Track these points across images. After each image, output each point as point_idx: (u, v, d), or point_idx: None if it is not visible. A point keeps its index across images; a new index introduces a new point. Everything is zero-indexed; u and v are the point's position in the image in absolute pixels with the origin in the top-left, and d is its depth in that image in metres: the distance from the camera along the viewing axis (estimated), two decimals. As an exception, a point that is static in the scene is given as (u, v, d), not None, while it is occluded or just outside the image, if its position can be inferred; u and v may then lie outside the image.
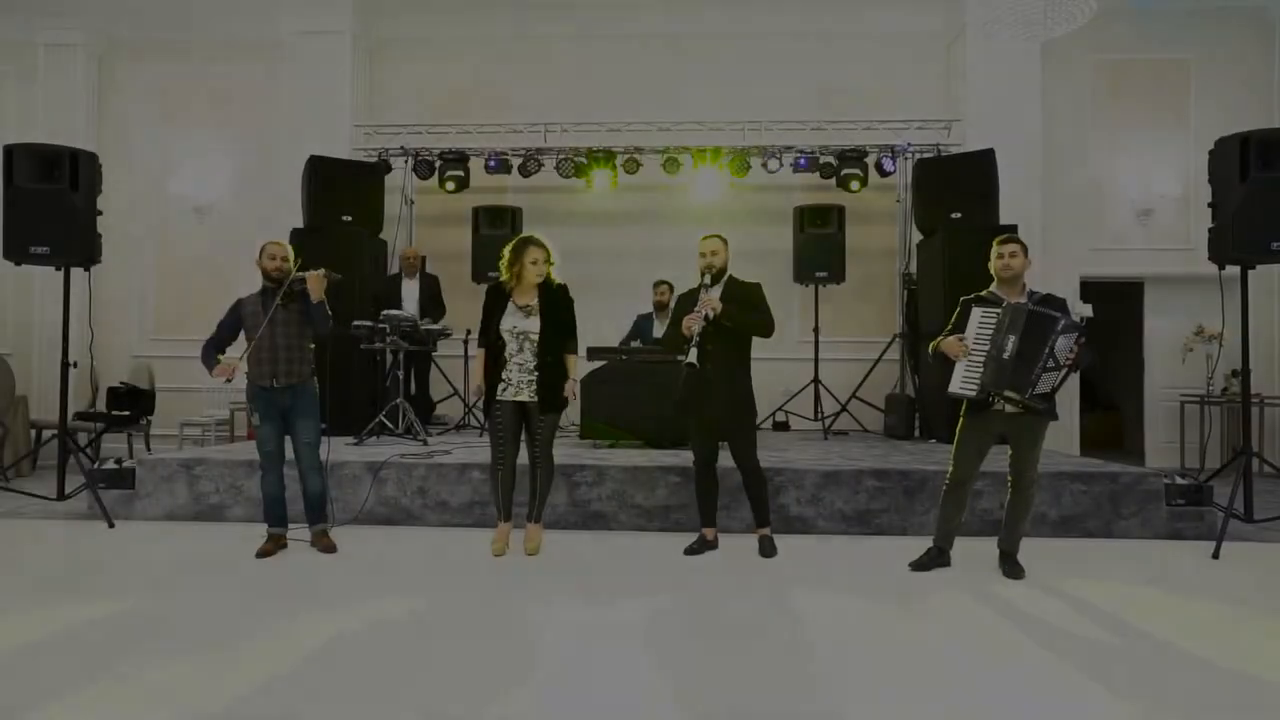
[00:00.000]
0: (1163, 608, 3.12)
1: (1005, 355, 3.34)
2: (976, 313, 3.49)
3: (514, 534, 3.97)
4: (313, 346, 3.90)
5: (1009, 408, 3.42)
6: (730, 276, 3.88)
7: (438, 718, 2.07)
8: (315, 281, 3.75)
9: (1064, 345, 3.28)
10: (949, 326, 3.61)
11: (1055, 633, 2.80)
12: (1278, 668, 2.47)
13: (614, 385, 5.32)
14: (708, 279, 3.82)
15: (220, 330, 3.82)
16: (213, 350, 3.76)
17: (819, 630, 2.82)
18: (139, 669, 2.37)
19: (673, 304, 4.07)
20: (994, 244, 3.59)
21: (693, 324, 3.68)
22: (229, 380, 3.73)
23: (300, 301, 3.80)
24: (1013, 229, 6.11)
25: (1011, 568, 3.53)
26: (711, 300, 3.72)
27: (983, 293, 3.58)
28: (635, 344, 6.21)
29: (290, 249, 3.91)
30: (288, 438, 3.85)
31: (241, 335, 3.83)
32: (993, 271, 3.57)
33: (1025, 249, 3.56)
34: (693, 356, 3.67)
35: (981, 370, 3.40)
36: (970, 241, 5.79)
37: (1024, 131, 6.82)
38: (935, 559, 3.64)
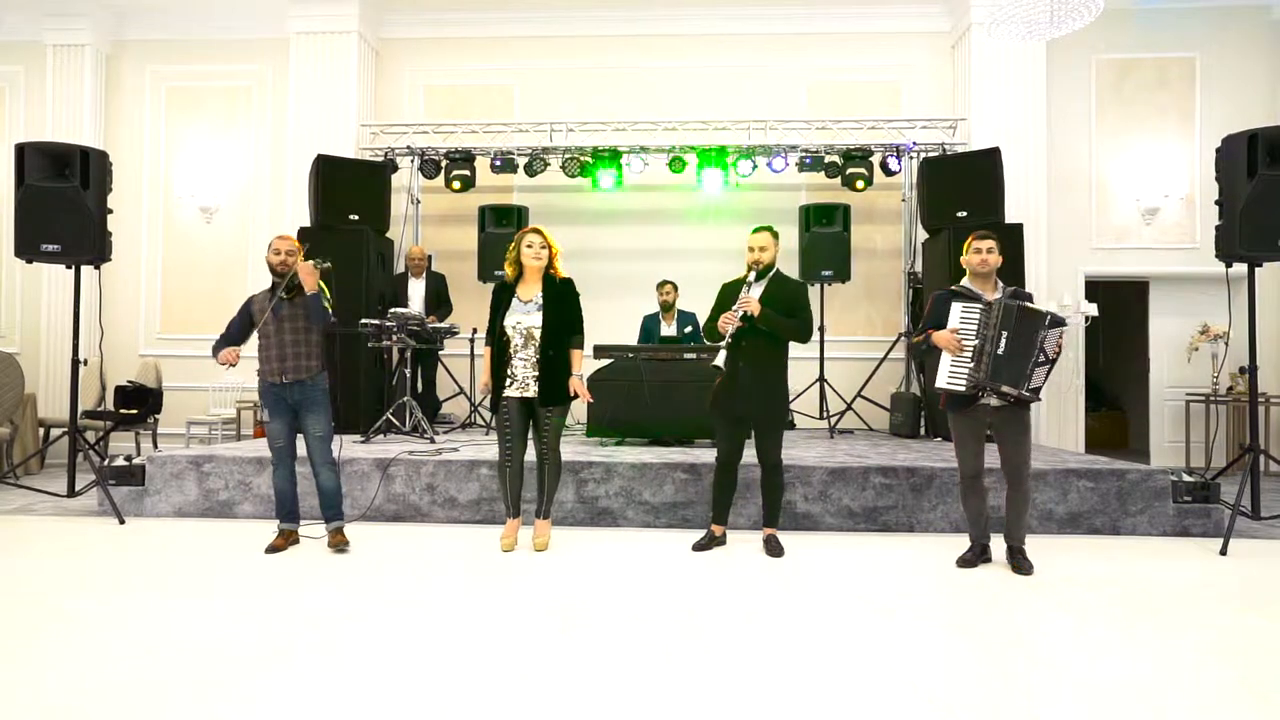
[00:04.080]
0: (1170, 603, 3.13)
1: (1000, 351, 3.39)
2: (956, 307, 3.52)
3: (522, 530, 3.99)
4: (320, 341, 3.88)
5: (995, 401, 3.46)
6: (777, 272, 3.86)
7: (440, 714, 2.09)
8: (306, 273, 3.74)
9: (1052, 340, 3.36)
10: (924, 322, 3.64)
11: (1059, 628, 2.80)
12: (1287, 661, 2.48)
13: (620, 383, 5.34)
14: (752, 275, 3.79)
15: (229, 328, 3.83)
16: (222, 344, 3.78)
17: (826, 628, 2.82)
18: (138, 665, 2.38)
19: (716, 294, 4.02)
20: (970, 239, 3.62)
21: (728, 324, 3.65)
22: (232, 365, 3.71)
23: (304, 295, 3.80)
24: (1018, 228, 6.15)
25: (1020, 562, 3.53)
26: (750, 301, 3.68)
27: (955, 287, 3.61)
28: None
29: (296, 242, 3.89)
30: (299, 435, 3.86)
31: (255, 333, 3.85)
32: (967, 266, 3.60)
33: (1000, 245, 3.60)
34: (720, 359, 3.65)
35: (971, 365, 3.44)
36: (976, 240, 5.81)
37: (1029, 130, 6.84)
38: (980, 555, 3.67)
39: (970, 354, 3.44)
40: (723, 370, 3.66)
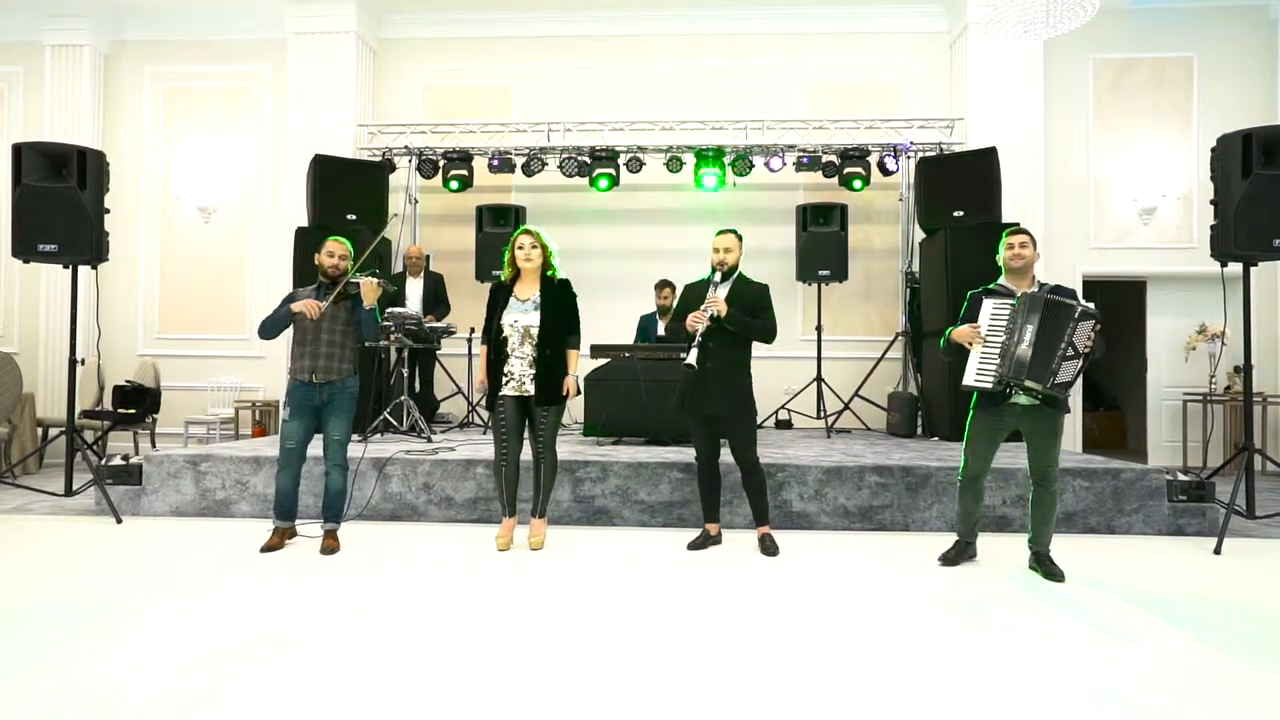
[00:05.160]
0: (1164, 601, 3.13)
1: (1025, 344, 3.32)
2: (988, 304, 3.47)
3: (518, 529, 4.00)
4: (357, 346, 3.94)
5: (1025, 399, 3.41)
6: (740, 274, 3.90)
7: (436, 714, 2.09)
8: (370, 289, 3.81)
9: (1083, 333, 3.26)
10: (959, 321, 3.58)
11: (1055, 627, 2.81)
12: (1277, 662, 2.49)
13: (617, 383, 5.35)
14: (718, 275, 3.83)
15: (273, 313, 3.87)
16: (274, 317, 3.81)
17: (821, 628, 2.83)
18: (134, 665, 2.39)
19: (678, 294, 4.08)
20: (1003, 235, 3.59)
21: (697, 323, 3.69)
22: (314, 317, 3.73)
23: (353, 302, 3.86)
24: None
25: (1049, 569, 3.44)
26: (717, 301, 3.72)
27: (991, 285, 3.57)
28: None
29: (350, 248, 3.95)
30: (316, 438, 3.88)
31: (291, 330, 3.88)
32: (1002, 263, 3.57)
33: (1034, 240, 3.55)
34: (692, 357, 3.68)
35: (998, 361, 3.38)
36: (972, 240, 5.82)
37: (1026, 130, 6.84)
38: (963, 552, 3.65)
39: (998, 349, 3.39)
40: (695, 368, 3.68)
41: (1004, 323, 3.40)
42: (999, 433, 3.51)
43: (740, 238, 3.91)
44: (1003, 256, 3.56)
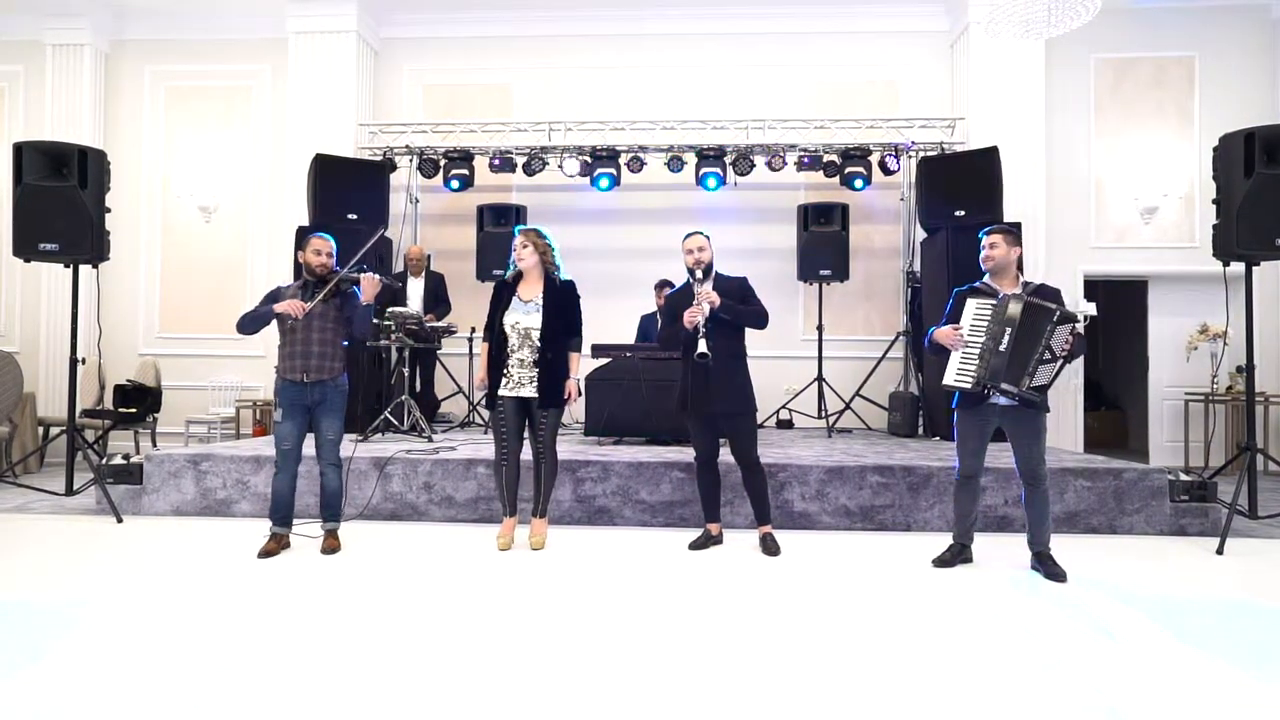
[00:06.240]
0: (1166, 601, 3.13)
1: (1002, 347, 3.34)
2: (971, 304, 3.49)
3: (519, 529, 3.99)
4: (345, 344, 3.88)
5: (1003, 400, 3.42)
6: (717, 273, 3.93)
7: (437, 715, 2.09)
8: (370, 286, 3.76)
9: (1060, 336, 3.27)
10: (944, 318, 3.62)
11: (1055, 627, 2.80)
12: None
13: (618, 382, 5.34)
14: (698, 274, 3.84)
15: (255, 310, 3.78)
16: (252, 315, 3.72)
17: (822, 628, 2.83)
18: (133, 666, 2.39)
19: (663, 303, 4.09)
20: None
21: (695, 317, 3.70)
22: (295, 317, 3.66)
23: (342, 299, 3.80)
24: (1016, 226, 6.12)
25: (1050, 568, 3.43)
26: (709, 293, 3.74)
27: (976, 284, 3.59)
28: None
29: (335, 245, 3.90)
30: (308, 438, 3.83)
31: (273, 323, 3.80)
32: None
33: (1010, 238, 3.53)
34: (703, 347, 3.68)
35: (977, 362, 3.40)
36: (974, 239, 5.77)
37: (1028, 129, 6.83)
38: (958, 555, 3.63)
39: (977, 350, 3.40)
40: (709, 355, 3.67)
41: (985, 324, 3.41)
42: (985, 431, 3.53)
43: (709, 238, 3.93)
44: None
